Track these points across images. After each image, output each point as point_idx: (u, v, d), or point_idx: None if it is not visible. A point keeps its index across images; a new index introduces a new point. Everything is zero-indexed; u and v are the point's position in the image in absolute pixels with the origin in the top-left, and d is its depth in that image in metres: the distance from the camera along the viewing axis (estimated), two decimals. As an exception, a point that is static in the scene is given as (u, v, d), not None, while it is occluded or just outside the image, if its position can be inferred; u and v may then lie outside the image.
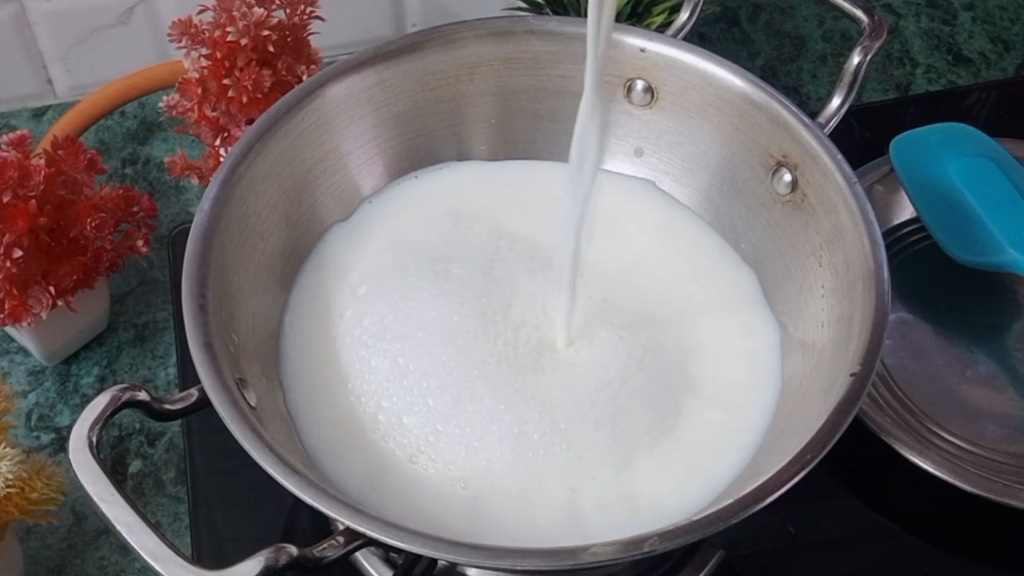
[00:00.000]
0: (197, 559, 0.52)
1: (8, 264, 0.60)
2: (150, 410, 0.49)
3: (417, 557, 0.53)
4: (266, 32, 0.65)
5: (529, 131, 0.65)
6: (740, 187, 0.61)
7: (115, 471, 0.65)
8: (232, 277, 0.54)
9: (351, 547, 0.46)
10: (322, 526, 0.59)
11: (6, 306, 0.62)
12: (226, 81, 0.66)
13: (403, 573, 0.53)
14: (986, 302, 0.70)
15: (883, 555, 0.63)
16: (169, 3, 0.79)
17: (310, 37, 0.69)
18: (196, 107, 0.68)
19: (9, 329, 0.69)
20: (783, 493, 0.46)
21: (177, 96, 0.69)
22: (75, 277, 0.63)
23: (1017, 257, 0.66)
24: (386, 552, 0.58)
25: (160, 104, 0.69)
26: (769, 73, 0.86)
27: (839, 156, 0.56)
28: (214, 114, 0.67)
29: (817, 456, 0.47)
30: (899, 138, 0.73)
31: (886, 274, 0.52)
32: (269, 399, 0.53)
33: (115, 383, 0.53)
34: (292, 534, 0.62)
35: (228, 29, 0.65)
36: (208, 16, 0.66)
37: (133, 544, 0.45)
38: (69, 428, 0.50)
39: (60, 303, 0.63)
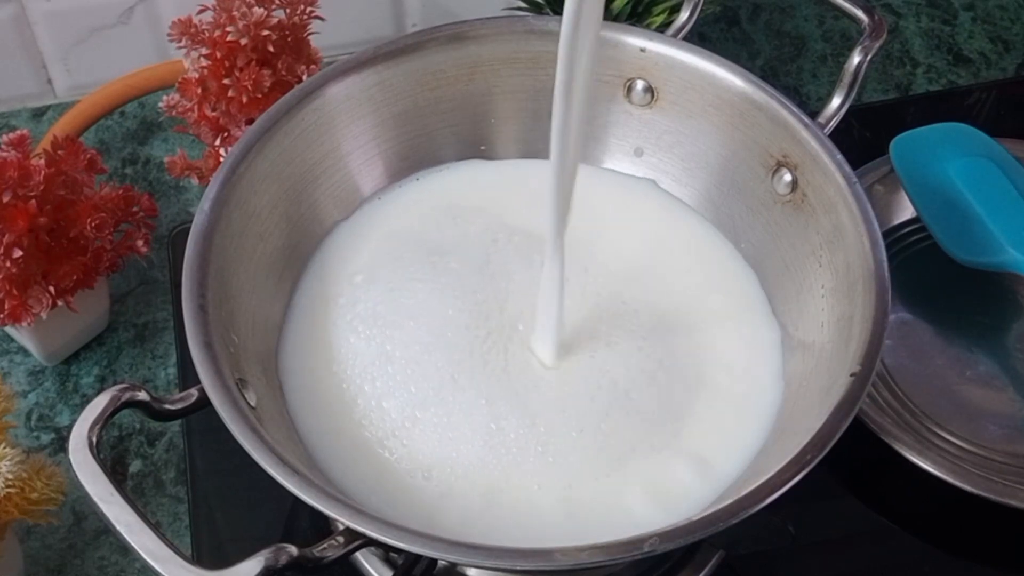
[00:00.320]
0: (197, 559, 0.52)
1: (8, 264, 0.60)
2: (150, 410, 0.49)
3: (417, 557, 0.53)
4: (266, 32, 0.65)
5: (529, 131, 0.65)
6: (740, 187, 0.61)
7: (115, 471, 0.65)
8: (232, 277, 0.54)
9: (351, 547, 0.46)
10: (322, 526, 0.59)
11: (6, 306, 0.61)
12: (226, 81, 0.66)
13: (403, 573, 0.53)
14: (986, 302, 0.70)
15: (883, 555, 0.62)
16: (169, 3, 0.79)
17: (310, 37, 0.69)
18: (196, 107, 0.68)
19: (9, 329, 0.69)
20: (783, 493, 0.46)
21: (177, 96, 0.69)
22: (75, 277, 0.63)
23: (1017, 257, 0.66)
24: (386, 552, 0.58)
25: (160, 104, 0.69)
26: (769, 73, 0.86)
27: (839, 156, 0.56)
28: (214, 114, 0.67)
29: (817, 456, 0.47)
30: (899, 138, 0.73)
31: (886, 274, 0.52)
32: (269, 399, 0.53)
33: (115, 383, 0.53)
34: (292, 534, 0.62)
35: (228, 29, 0.65)
36: (208, 16, 0.66)
37: (133, 544, 0.45)
38: (69, 428, 0.50)
39: (60, 303, 0.63)
